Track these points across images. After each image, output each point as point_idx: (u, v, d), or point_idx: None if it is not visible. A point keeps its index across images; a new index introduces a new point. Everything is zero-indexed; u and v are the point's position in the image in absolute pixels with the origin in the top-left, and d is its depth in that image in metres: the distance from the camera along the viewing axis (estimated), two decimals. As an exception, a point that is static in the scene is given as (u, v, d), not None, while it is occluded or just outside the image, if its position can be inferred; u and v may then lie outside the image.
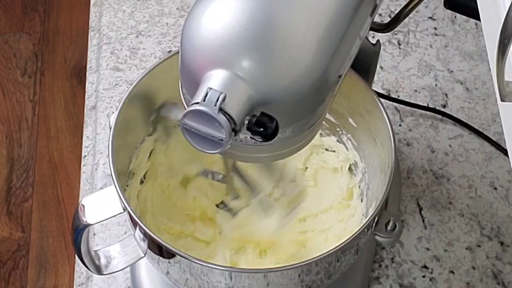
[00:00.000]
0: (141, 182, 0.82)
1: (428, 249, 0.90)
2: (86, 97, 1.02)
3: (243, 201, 0.83)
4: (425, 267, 0.89)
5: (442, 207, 0.92)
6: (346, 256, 0.72)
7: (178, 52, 0.63)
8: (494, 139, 0.97)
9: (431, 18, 1.08)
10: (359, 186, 0.83)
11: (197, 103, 0.55)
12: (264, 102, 0.58)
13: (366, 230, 0.70)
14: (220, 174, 0.84)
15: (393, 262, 0.89)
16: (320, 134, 0.86)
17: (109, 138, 0.73)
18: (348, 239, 0.69)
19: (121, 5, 1.09)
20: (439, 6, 1.09)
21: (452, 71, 1.03)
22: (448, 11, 0.84)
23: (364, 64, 0.80)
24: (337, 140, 0.85)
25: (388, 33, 0.99)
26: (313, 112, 0.62)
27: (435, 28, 1.07)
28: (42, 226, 1.82)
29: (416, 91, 1.01)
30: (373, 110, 0.77)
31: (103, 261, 0.75)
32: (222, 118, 0.55)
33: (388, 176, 0.72)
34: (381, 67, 1.03)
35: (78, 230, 0.70)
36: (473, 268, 0.88)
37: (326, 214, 0.83)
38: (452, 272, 0.88)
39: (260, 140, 0.58)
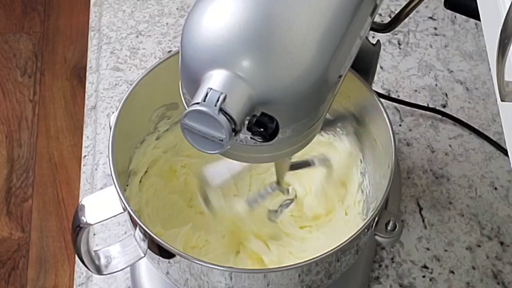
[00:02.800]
0: (140, 181, 0.82)
1: (428, 249, 0.90)
2: (86, 97, 1.02)
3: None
4: (425, 267, 0.89)
5: (442, 207, 0.92)
6: (346, 256, 0.72)
7: (178, 52, 0.63)
8: (494, 139, 0.97)
9: (431, 18, 1.08)
10: (360, 187, 0.83)
11: (198, 103, 0.55)
12: (264, 102, 0.58)
13: (366, 230, 0.70)
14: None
15: (393, 262, 0.89)
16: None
17: (109, 138, 0.73)
18: (348, 239, 0.69)
19: (121, 5, 1.09)
20: (439, 6, 1.08)
21: (452, 71, 1.03)
22: (448, 11, 0.84)
23: (364, 64, 0.80)
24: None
25: (388, 33, 0.98)
26: (314, 112, 0.62)
27: (435, 28, 1.07)
28: (42, 226, 1.82)
29: (416, 91, 1.01)
30: (373, 110, 0.76)
31: (103, 261, 0.75)
32: (222, 118, 0.55)
33: (388, 176, 0.72)
34: (381, 67, 1.03)
35: (78, 230, 0.70)
36: (473, 268, 0.88)
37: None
38: (452, 272, 0.88)
39: (260, 140, 0.58)
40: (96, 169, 0.95)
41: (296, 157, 0.77)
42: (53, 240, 1.80)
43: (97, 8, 1.09)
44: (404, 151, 0.96)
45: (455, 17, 1.08)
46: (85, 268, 0.76)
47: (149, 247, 0.72)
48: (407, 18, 0.82)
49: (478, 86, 1.02)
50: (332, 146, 0.85)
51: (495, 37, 0.46)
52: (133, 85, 0.76)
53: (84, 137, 0.98)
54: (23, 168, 1.90)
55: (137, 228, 0.70)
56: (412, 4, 0.76)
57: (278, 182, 0.79)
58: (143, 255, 0.74)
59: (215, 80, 0.57)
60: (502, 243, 0.90)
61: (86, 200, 0.71)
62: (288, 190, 0.82)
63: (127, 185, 0.79)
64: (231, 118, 0.55)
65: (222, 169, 0.77)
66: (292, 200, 0.83)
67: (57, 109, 1.99)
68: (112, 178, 0.70)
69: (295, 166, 0.81)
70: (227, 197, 0.81)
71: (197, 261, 0.68)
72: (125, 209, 0.70)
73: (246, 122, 0.57)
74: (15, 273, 1.76)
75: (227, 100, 0.55)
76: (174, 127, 0.83)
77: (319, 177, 0.83)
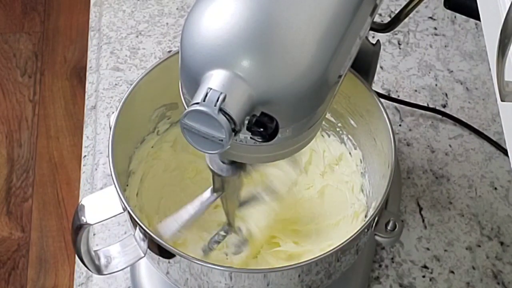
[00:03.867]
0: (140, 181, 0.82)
1: (428, 249, 0.89)
2: (86, 97, 1.01)
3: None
4: (425, 267, 0.88)
5: (442, 207, 0.92)
6: (346, 256, 0.72)
7: (178, 52, 0.63)
8: (494, 139, 0.97)
9: (431, 18, 1.08)
10: (360, 187, 0.83)
11: (197, 103, 0.55)
12: (264, 102, 0.58)
13: (366, 230, 0.70)
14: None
15: (393, 262, 0.88)
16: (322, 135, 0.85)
17: (109, 138, 0.73)
18: (348, 239, 0.68)
19: (121, 5, 1.09)
20: (439, 6, 1.08)
21: (452, 71, 1.03)
22: (448, 11, 0.84)
23: (364, 64, 0.79)
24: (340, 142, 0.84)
25: (388, 33, 0.98)
26: (313, 112, 0.62)
27: (435, 28, 1.07)
28: (42, 226, 1.82)
29: (416, 91, 1.01)
30: (373, 110, 0.76)
31: (103, 261, 0.75)
32: (222, 118, 0.55)
33: (388, 176, 0.72)
34: (381, 67, 1.03)
35: (78, 230, 0.70)
36: (473, 268, 0.88)
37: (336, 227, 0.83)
38: (452, 272, 0.88)
39: (260, 140, 0.57)
40: (96, 169, 0.95)
41: (242, 196, 0.77)
42: (53, 240, 1.80)
43: (97, 8, 1.09)
44: (404, 151, 0.96)
45: (455, 17, 1.08)
46: (85, 268, 0.75)
47: (149, 247, 0.72)
48: (407, 18, 0.82)
49: (478, 86, 1.02)
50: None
51: (495, 37, 0.46)
52: (133, 85, 0.75)
53: (84, 137, 0.98)
54: (23, 168, 1.90)
55: (137, 228, 0.70)
56: (412, 4, 0.76)
57: (229, 224, 0.78)
58: (143, 255, 0.74)
59: (215, 80, 0.56)
60: (502, 243, 0.90)
61: (86, 200, 0.70)
62: (240, 230, 0.80)
63: (127, 185, 0.79)
64: (231, 118, 0.55)
65: (171, 222, 0.76)
66: (246, 240, 0.80)
67: (57, 109, 1.99)
68: (112, 178, 0.70)
69: (243, 204, 0.79)
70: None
71: (197, 261, 0.67)
72: (125, 209, 0.69)
73: (246, 122, 0.57)
74: (15, 273, 1.76)
75: (226, 100, 0.55)
76: (174, 127, 0.83)
77: (269, 212, 0.81)
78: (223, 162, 0.68)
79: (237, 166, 0.68)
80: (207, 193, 0.73)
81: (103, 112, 0.99)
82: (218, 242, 0.79)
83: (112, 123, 0.73)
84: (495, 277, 0.88)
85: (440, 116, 0.99)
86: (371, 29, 0.76)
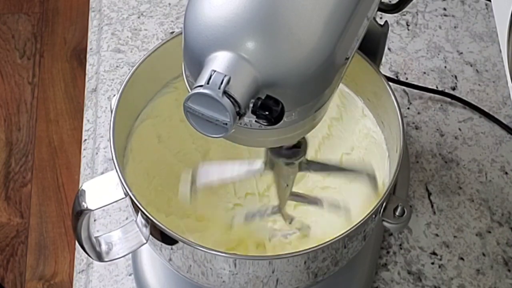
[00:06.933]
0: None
1: (437, 235, 0.89)
2: (86, 79, 1.01)
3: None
4: (434, 253, 0.88)
5: (452, 192, 0.91)
6: (353, 243, 0.71)
7: (180, 33, 0.63)
8: (504, 122, 0.96)
9: (439, -2, 1.07)
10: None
11: (201, 86, 0.54)
12: (269, 85, 0.57)
13: (373, 215, 0.69)
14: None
15: (401, 248, 0.88)
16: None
17: (110, 121, 0.72)
18: (355, 225, 0.68)
19: (122, -15, 1.08)
20: (448, -14, 1.08)
21: (461, 53, 1.02)
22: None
23: (372, 46, 0.79)
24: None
25: (396, 14, 0.98)
26: (320, 95, 0.61)
27: (444, 9, 1.06)
28: (41, 211, 1.82)
29: (425, 73, 1.01)
30: (381, 93, 0.75)
31: (104, 247, 0.75)
32: (226, 101, 0.54)
33: (396, 161, 0.71)
34: (389, 49, 1.02)
35: (78, 215, 0.69)
36: (483, 254, 0.88)
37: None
38: (462, 258, 0.88)
39: (265, 123, 0.57)
40: (97, 153, 0.94)
41: (303, 189, 0.76)
42: (53, 226, 1.80)
43: (97, -12, 1.08)
44: (413, 134, 0.95)
45: (464, -3, 1.07)
46: (86, 255, 0.75)
47: (151, 233, 0.71)
48: (416, -2, 0.81)
49: (489, 68, 1.01)
50: (348, 188, 0.81)
51: (506, 18, 0.45)
52: (134, 67, 0.75)
53: (85, 121, 0.97)
54: (22, 152, 1.90)
55: (139, 214, 0.69)
56: (422, -16, 0.75)
57: (280, 207, 0.77)
58: (145, 241, 0.73)
59: (219, 62, 0.56)
60: (512, 229, 0.89)
61: (87, 185, 0.70)
62: (291, 220, 0.77)
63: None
64: (236, 101, 0.55)
65: (211, 171, 0.75)
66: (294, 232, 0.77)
67: (57, 91, 1.99)
68: (114, 163, 0.69)
69: (299, 198, 0.77)
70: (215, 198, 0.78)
71: (200, 248, 0.67)
72: (126, 194, 0.69)
73: (251, 105, 0.56)
74: (14, 260, 1.76)
75: (231, 82, 0.54)
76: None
77: (329, 225, 0.77)
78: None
79: (294, 153, 0.68)
80: (258, 163, 0.73)
81: (104, 95, 0.99)
82: (262, 215, 0.77)
83: (113, 106, 0.73)
84: (506, 263, 0.87)
85: (449, 99, 0.98)
86: (379, 9, 0.75)
